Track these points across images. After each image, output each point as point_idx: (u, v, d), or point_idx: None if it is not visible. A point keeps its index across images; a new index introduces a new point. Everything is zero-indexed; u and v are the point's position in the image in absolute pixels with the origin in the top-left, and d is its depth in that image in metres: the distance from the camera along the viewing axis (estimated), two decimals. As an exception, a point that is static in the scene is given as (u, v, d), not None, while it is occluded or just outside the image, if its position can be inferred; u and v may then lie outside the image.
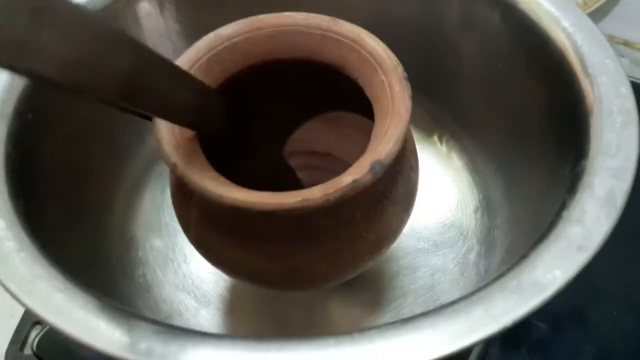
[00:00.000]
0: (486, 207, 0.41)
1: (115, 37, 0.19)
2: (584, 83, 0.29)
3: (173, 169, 0.25)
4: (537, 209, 0.34)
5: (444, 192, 0.43)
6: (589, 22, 0.32)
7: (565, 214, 0.24)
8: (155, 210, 0.43)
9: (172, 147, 0.25)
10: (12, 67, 0.15)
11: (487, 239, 0.39)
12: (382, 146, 0.25)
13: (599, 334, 0.42)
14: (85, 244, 0.36)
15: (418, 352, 0.21)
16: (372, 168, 0.24)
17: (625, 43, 0.59)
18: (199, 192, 0.24)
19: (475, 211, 0.41)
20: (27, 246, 0.25)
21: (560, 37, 0.32)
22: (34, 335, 0.41)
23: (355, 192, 0.24)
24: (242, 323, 0.38)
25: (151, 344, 0.21)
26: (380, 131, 0.26)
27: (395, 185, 0.29)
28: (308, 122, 0.38)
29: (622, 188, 0.24)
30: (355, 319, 0.38)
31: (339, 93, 0.33)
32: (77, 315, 0.22)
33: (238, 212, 0.24)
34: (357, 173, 0.24)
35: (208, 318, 0.38)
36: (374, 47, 0.29)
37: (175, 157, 0.25)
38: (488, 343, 0.40)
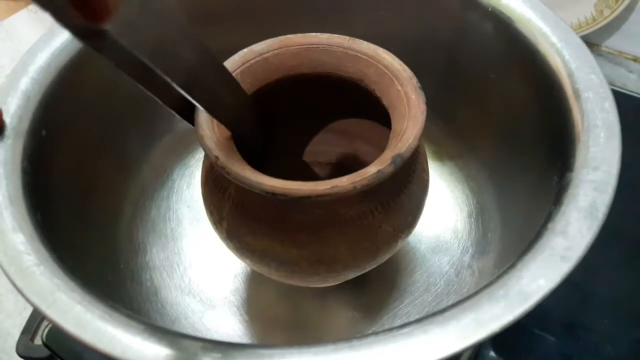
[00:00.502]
0: (480, 212, 0.42)
1: (190, 35, 0.23)
2: (571, 98, 0.31)
3: (215, 161, 0.28)
4: (525, 217, 0.35)
5: (439, 197, 0.44)
6: (576, 38, 0.33)
7: (550, 225, 0.26)
8: (161, 217, 0.44)
9: (214, 142, 0.29)
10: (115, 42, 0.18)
11: (481, 242, 0.41)
12: (402, 143, 0.28)
13: (590, 340, 0.44)
14: (96, 251, 0.38)
15: (412, 358, 0.22)
16: (394, 160, 0.28)
17: (635, 59, 0.59)
18: (239, 180, 0.28)
19: (470, 215, 0.43)
20: (46, 259, 0.27)
21: (550, 53, 0.33)
22: (44, 327, 0.43)
23: (379, 181, 0.27)
24: (246, 325, 0.40)
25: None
26: (399, 132, 0.30)
27: (410, 181, 0.32)
28: (325, 135, 0.41)
29: (604, 200, 0.26)
30: (354, 320, 0.40)
31: (354, 105, 0.37)
32: (95, 326, 0.24)
33: (273, 200, 0.28)
34: (380, 164, 0.28)
35: (214, 321, 0.40)
36: (390, 62, 0.33)
37: (216, 150, 0.28)
38: (479, 347, 0.42)
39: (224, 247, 0.42)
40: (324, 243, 0.31)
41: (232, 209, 0.32)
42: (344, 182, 0.28)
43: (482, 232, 0.42)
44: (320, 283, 0.36)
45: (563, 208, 0.26)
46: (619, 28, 0.59)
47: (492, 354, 0.43)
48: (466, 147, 0.43)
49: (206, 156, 0.34)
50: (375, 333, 0.23)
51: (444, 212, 0.43)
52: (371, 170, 0.28)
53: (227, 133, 0.31)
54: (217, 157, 0.29)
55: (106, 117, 0.39)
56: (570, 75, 0.32)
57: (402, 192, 0.32)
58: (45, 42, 0.36)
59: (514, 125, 0.37)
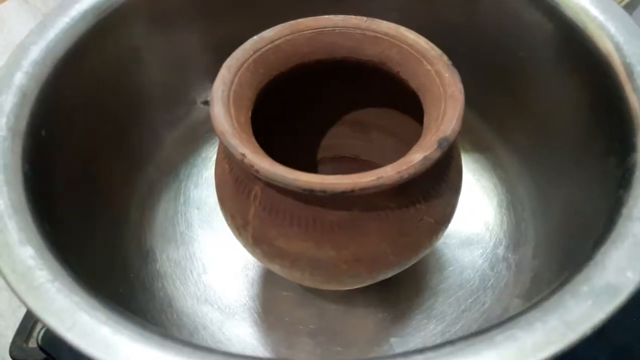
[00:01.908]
0: (511, 201, 0.40)
1: None
2: (622, 74, 0.29)
3: (241, 159, 0.26)
4: (568, 205, 0.33)
5: (465, 187, 0.42)
6: (619, 9, 0.31)
7: (625, 211, 0.24)
8: (169, 221, 0.41)
9: (237, 138, 0.26)
10: None
11: (515, 233, 0.39)
12: (445, 125, 0.26)
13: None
14: (103, 261, 0.35)
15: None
16: (440, 144, 0.25)
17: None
18: (271, 178, 0.25)
19: (500, 205, 0.40)
20: (60, 274, 0.24)
21: (591, 27, 0.31)
22: (40, 329, 0.40)
23: (425, 168, 0.25)
24: (270, 332, 0.37)
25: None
26: (436, 115, 0.28)
27: (449, 168, 0.30)
28: (336, 128, 0.38)
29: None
30: (385, 323, 0.37)
31: (373, 92, 0.35)
32: (128, 350, 0.20)
33: (309, 198, 0.26)
34: (425, 150, 0.25)
35: (234, 330, 0.37)
36: (415, 40, 0.30)
37: (241, 147, 0.26)
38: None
39: (238, 251, 0.39)
40: (363, 241, 0.28)
41: (259, 211, 0.29)
42: (389, 172, 0.25)
43: (515, 223, 0.39)
44: (358, 284, 0.33)
45: (635, 192, 0.24)
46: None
47: None
48: (495, 134, 0.41)
49: (223, 156, 0.31)
50: (451, 342, 0.20)
51: (472, 203, 0.41)
52: (416, 157, 0.26)
53: (246, 126, 0.29)
54: (243, 155, 0.26)
55: (108, 114, 0.36)
56: (619, 49, 0.29)
57: (443, 180, 0.30)
58: (38, 35, 0.33)
59: (551, 108, 0.35)
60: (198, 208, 0.42)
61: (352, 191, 0.25)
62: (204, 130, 0.44)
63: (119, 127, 0.37)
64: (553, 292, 0.22)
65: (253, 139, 0.28)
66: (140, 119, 0.40)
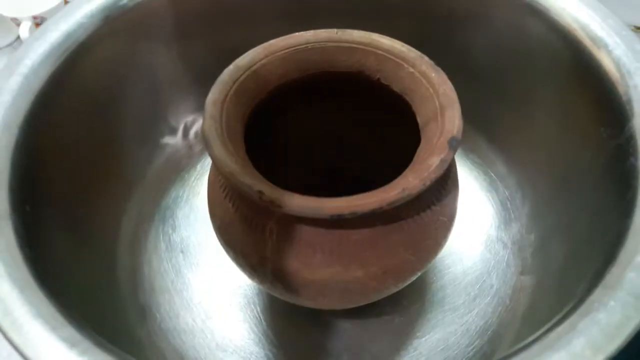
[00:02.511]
0: (490, 182, 0.41)
1: None
2: (592, 47, 0.30)
3: (259, 197, 0.25)
4: (556, 178, 0.35)
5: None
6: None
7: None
8: (156, 272, 0.39)
9: (249, 176, 0.25)
10: None
11: (502, 212, 0.40)
12: (448, 125, 0.26)
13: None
14: (106, 327, 0.32)
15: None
16: (451, 144, 0.26)
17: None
18: (296, 211, 0.24)
19: (481, 188, 0.42)
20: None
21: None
22: None
23: (443, 171, 0.25)
24: (292, 363, 0.36)
25: None
26: (432, 115, 0.28)
27: (451, 165, 0.30)
28: (320, 143, 0.38)
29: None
30: (404, 326, 0.37)
31: (355, 102, 0.34)
32: None
33: (332, 222, 0.25)
34: (439, 153, 0.25)
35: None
36: (390, 45, 0.30)
37: (256, 185, 0.25)
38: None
39: (237, 287, 0.38)
40: (390, 254, 0.28)
41: (277, 246, 0.28)
42: (412, 182, 0.25)
43: (500, 202, 0.40)
44: (383, 296, 0.33)
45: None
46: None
47: None
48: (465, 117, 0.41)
49: (224, 195, 0.30)
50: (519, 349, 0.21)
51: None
52: (434, 160, 0.26)
53: (245, 160, 0.28)
54: (261, 192, 0.25)
55: (84, 160, 0.34)
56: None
57: (449, 178, 0.30)
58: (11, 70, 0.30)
59: (526, 84, 0.36)
60: (182, 252, 0.40)
61: (381, 208, 0.25)
62: (171, 170, 0.42)
63: (94, 175, 0.35)
64: (607, 268, 0.23)
65: (258, 174, 0.27)
66: (113, 162, 0.37)
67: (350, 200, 0.25)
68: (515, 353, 0.20)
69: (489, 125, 0.40)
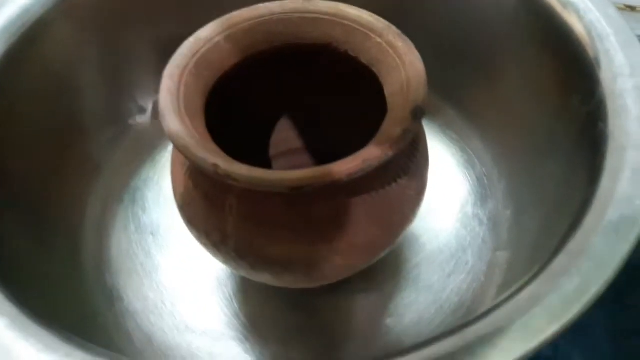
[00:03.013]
0: (467, 159, 0.41)
1: None
2: (561, 11, 0.30)
3: (215, 170, 0.24)
4: (531, 149, 0.34)
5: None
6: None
7: (611, 143, 0.24)
8: (125, 254, 0.38)
9: (204, 150, 0.25)
10: None
11: (478, 189, 0.39)
12: (413, 94, 0.26)
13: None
14: (68, 308, 0.31)
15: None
16: (415, 114, 0.25)
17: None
18: (253, 184, 0.24)
19: (457, 165, 0.41)
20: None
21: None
22: None
23: (407, 141, 0.25)
24: (264, 344, 0.35)
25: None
26: (398, 85, 0.27)
27: (419, 137, 0.30)
28: (285, 121, 0.37)
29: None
30: (377, 305, 0.36)
31: (325, 77, 0.33)
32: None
33: (294, 197, 0.25)
34: (402, 124, 0.25)
35: (226, 352, 0.34)
36: (358, 15, 0.29)
37: (211, 158, 0.24)
38: None
39: (207, 269, 0.37)
40: (355, 229, 0.27)
41: (238, 222, 0.27)
42: (374, 153, 0.24)
43: (476, 178, 0.40)
44: (352, 273, 0.32)
45: (617, 121, 0.25)
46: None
47: None
48: (440, 95, 0.40)
49: (183, 172, 0.29)
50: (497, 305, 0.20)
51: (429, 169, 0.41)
52: (395, 131, 0.25)
53: (205, 135, 0.27)
54: (216, 166, 0.24)
55: (45, 139, 0.33)
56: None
57: (417, 150, 0.29)
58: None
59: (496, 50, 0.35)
60: (152, 234, 0.39)
61: (341, 180, 0.24)
62: (141, 150, 0.41)
63: (56, 155, 0.34)
64: (572, 232, 0.22)
65: (217, 148, 0.26)
66: (77, 142, 0.36)
67: (309, 172, 0.24)
68: (467, 325, 0.20)
69: (465, 100, 0.40)
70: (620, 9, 0.63)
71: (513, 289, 0.21)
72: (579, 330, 0.42)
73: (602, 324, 0.42)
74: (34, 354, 0.20)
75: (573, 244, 0.21)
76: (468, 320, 0.20)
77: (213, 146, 0.26)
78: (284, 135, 0.39)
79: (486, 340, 0.19)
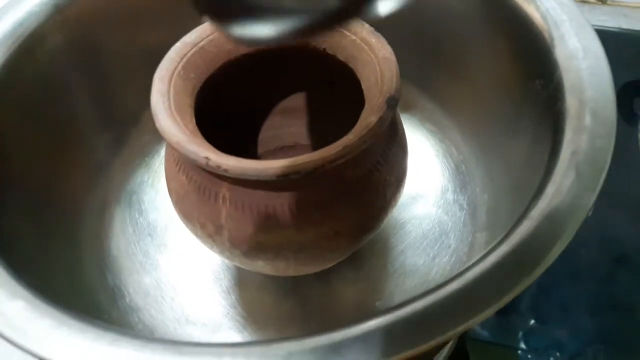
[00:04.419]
0: (445, 149, 0.43)
1: None
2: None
3: (206, 163, 0.26)
4: (508, 132, 0.36)
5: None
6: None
7: (569, 122, 0.26)
8: (124, 254, 0.39)
9: (195, 144, 0.26)
10: None
11: (457, 176, 0.41)
12: (387, 85, 0.28)
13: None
14: (74, 306, 0.33)
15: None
16: (389, 103, 0.27)
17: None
18: (242, 173, 0.26)
19: (437, 155, 0.43)
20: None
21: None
22: None
23: (382, 129, 0.27)
24: (260, 333, 0.37)
25: None
26: (374, 79, 0.29)
27: (397, 127, 0.32)
28: (273, 119, 0.39)
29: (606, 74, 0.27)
30: (367, 289, 0.38)
31: (304, 76, 0.36)
32: None
33: (282, 184, 0.27)
34: (378, 112, 0.27)
35: (226, 341, 0.36)
36: None
37: (202, 151, 0.26)
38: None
39: (205, 265, 0.39)
40: (339, 214, 0.29)
41: (231, 212, 0.29)
42: (352, 141, 0.26)
43: (455, 167, 0.42)
44: (339, 258, 0.34)
45: (572, 100, 0.27)
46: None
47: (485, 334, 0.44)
48: (418, 89, 0.43)
49: (177, 169, 0.31)
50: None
51: (410, 160, 0.43)
52: (371, 119, 0.27)
53: (195, 132, 0.29)
54: (207, 158, 0.26)
55: (43, 146, 0.34)
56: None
57: (394, 139, 0.31)
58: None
59: (470, 53, 0.37)
60: (150, 235, 0.41)
61: (323, 166, 0.26)
62: (135, 155, 0.43)
63: (54, 163, 0.36)
64: (532, 203, 0.24)
65: (208, 143, 0.28)
66: (74, 149, 0.38)
67: (294, 160, 0.26)
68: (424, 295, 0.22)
69: (441, 93, 0.42)
70: (591, 3, 0.66)
71: (481, 254, 0.23)
72: (563, 310, 0.45)
73: (584, 303, 0.45)
74: (48, 332, 0.22)
75: (533, 212, 0.23)
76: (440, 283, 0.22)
77: (202, 141, 0.28)
78: (273, 133, 0.41)
79: (457, 297, 0.21)
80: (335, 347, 0.20)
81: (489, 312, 0.21)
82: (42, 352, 0.21)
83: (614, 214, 0.47)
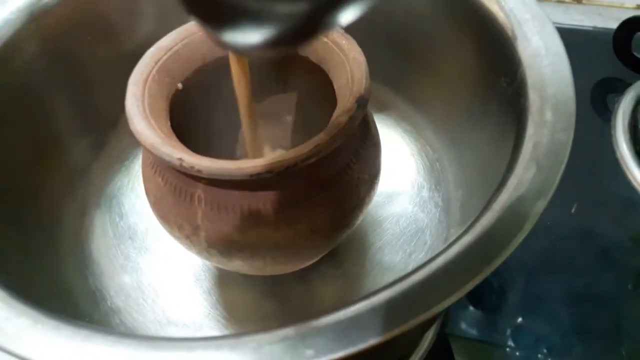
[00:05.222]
0: (419, 148, 0.44)
1: None
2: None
3: (180, 164, 0.26)
4: (473, 132, 0.37)
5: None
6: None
7: (532, 114, 0.27)
8: (105, 257, 0.40)
9: (169, 145, 0.27)
10: None
11: (432, 174, 0.42)
12: (357, 85, 0.29)
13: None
14: (55, 308, 0.33)
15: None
16: (359, 103, 0.28)
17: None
18: (215, 174, 0.26)
19: (412, 154, 0.44)
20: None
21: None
22: None
23: (353, 128, 0.27)
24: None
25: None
26: (344, 80, 0.30)
27: (369, 125, 0.32)
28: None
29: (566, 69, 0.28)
30: (346, 287, 0.39)
31: (278, 79, 0.37)
32: None
33: (256, 183, 0.27)
34: (348, 112, 0.27)
35: (207, 340, 0.37)
36: None
37: (176, 153, 0.27)
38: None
39: (185, 266, 0.39)
40: (315, 212, 0.30)
41: (207, 213, 0.30)
42: (323, 139, 0.27)
43: (429, 165, 0.43)
44: (316, 255, 0.35)
45: (534, 95, 0.28)
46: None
47: (470, 308, 0.45)
48: (392, 90, 0.44)
49: (153, 172, 0.31)
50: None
51: (386, 160, 0.43)
52: (342, 119, 0.28)
53: (170, 136, 0.29)
54: (181, 160, 0.27)
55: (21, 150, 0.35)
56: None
57: (367, 138, 0.32)
58: None
59: (438, 51, 0.38)
60: (130, 238, 0.41)
61: (296, 165, 0.27)
62: (114, 160, 0.43)
63: (33, 169, 0.36)
64: (495, 195, 0.25)
65: (182, 145, 0.29)
66: (53, 155, 0.38)
67: (267, 159, 0.27)
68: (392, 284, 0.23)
69: (414, 93, 0.43)
70: (567, 2, 0.67)
71: (445, 245, 0.24)
72: (539, 302, 0.46)
73: (559, 294, 0.45)
74: (23, 330, 0.22)
75: (496, 204, 0.24)
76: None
77: (177, 143, 0.29)
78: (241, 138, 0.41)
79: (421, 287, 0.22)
80: (304, 337, 0.21)
81: (451, 300, 0.21)
82: (18, 351, 0.22)
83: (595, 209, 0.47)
